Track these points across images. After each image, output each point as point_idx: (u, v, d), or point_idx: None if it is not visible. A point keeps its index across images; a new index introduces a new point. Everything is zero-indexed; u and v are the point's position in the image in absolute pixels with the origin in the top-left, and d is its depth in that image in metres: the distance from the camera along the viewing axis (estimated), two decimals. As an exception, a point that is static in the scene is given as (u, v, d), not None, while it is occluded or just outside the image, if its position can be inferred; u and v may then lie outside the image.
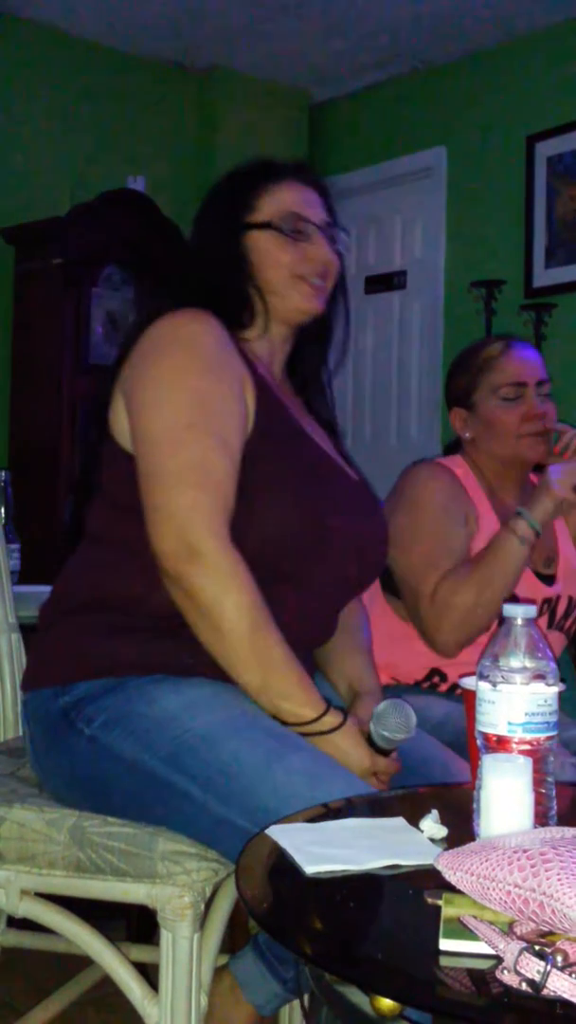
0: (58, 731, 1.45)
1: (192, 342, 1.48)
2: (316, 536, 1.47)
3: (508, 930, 0.85)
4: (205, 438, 1.41)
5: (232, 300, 1.57)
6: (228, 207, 1.60)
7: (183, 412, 1.43)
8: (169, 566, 1.38)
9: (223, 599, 1.36)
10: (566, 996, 0.76)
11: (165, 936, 1.37)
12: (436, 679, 2.05)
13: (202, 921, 1.39)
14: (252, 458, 1.45)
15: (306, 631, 1.54)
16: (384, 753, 1.42)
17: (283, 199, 1.58)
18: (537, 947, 0.79)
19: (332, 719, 1.39)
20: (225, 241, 1.58)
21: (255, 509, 1.43)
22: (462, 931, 0.87)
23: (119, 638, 1.45)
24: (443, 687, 2.05)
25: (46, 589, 1.61)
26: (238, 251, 1.57)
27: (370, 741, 1.42)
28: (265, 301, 1.57)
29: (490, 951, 0.84)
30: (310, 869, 1.01)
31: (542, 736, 1.09)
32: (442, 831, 1.11)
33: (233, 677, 1.39)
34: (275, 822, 1.13)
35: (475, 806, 1.07)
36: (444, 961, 0.85)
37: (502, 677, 1.10)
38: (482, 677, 1.12)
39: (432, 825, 1.11)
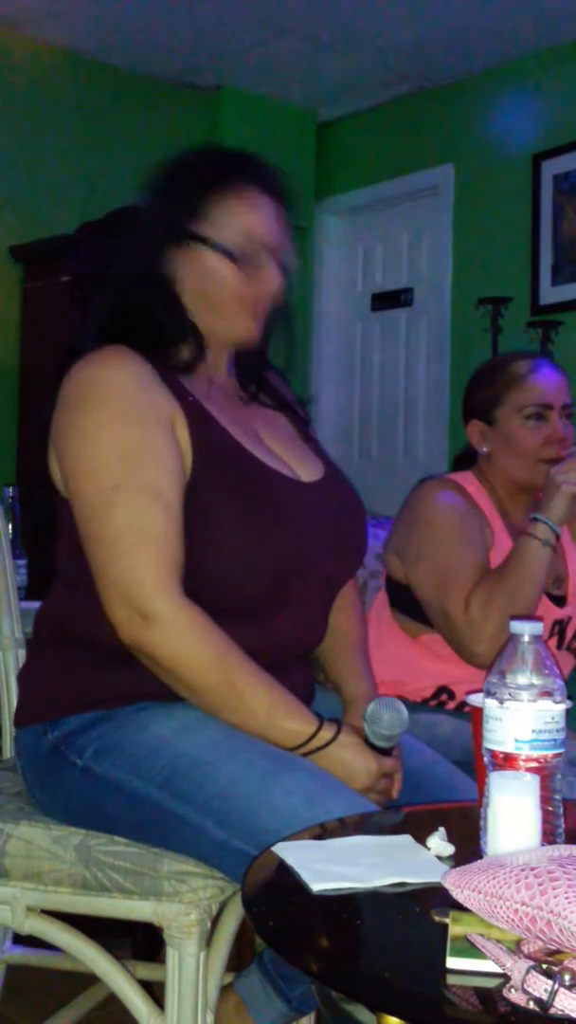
0: (50, 765, 1.44)
1: (109, 392, 1.40)
2: (277, 566, 1.43)
3: (515, 948, 0.85)
4: (136, 495, 1.36)
5: (163, 320, 1.48)
6: (171, 207, 1.49)
7: (109, 472, 1.37)
8: (125, 636, 1.36)
9: (186, 659, 1.35)
10: (573, 1015, 0.76)
11: (171, 954, 1.36)
12: (444, 697, 2.05)
13: (208, 939, 1.38)
14: (196, 500, 1.40)
15: (297, 643, 1.53)
16: (385, 753, 1.42)
17: (241, 218, 1.47)
18: (544, 965, 0.79)
19: (327, 732, 1.38)
20: (160, 246, 1.48)
21: (208, 553, 1.40)
22: (469, 949, 0.86)
23: (104, 671, 1.44)
24: (451, 705, 2.04)
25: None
26: (171, 261, 1.47)
27: (369, 745, 1.42)
28: (199, 320, 1.49)
29: (497, 969, 0.83)
30: (316, 887, 1.00)
31: (549, 753, 1.09)
32: (449, 849, 1.10)
33: (221, 720, 1.38)
34: (274, 843, 1.12)
35: (482, 824, 1.07)
36: (451, 979, 0.84)
37: (509, 694, 1.09)
38: (489, 694, 1.11)
39: (439, 843, 1.11)
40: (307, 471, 1.55)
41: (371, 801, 1.37)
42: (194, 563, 1.39)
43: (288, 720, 1.37)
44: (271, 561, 1.42)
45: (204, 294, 1.49)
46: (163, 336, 1.48)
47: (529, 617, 1.17)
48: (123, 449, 1.39)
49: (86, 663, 1.46)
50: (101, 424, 1.40)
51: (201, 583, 1.38)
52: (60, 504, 1.49)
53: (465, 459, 2.16)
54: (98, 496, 1.38)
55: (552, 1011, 0.77)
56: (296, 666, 1.51)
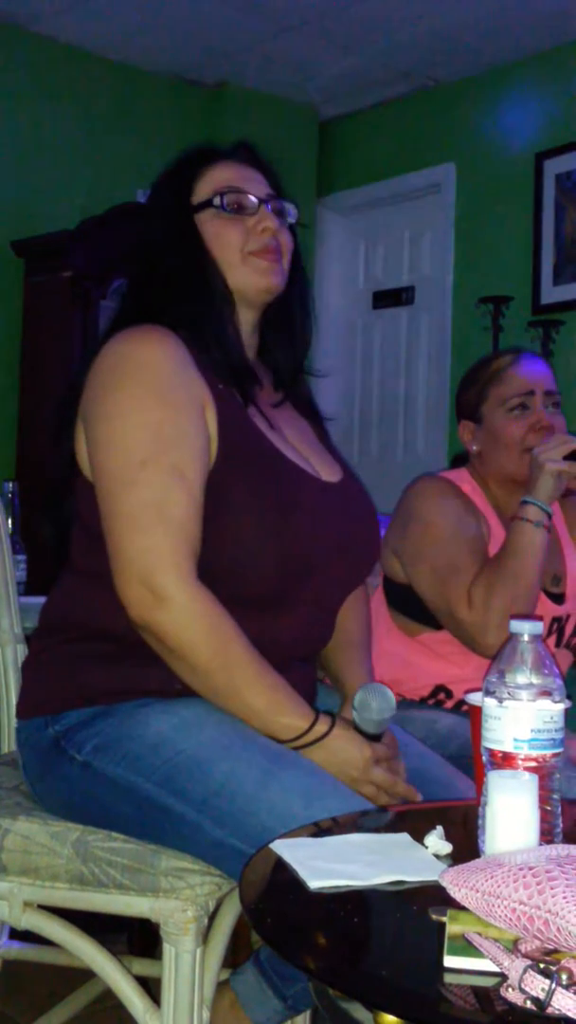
0: (50, 759, 1.44)
1: (144, 370, 1.42)
2: (292, 560, 1.44)
3: (513, 948, 0.85)
4: (161, 475, 1.37)
5: (193, 292, 1.51)
6: (170, 196, 1.56)
7: (137, 449, 1.38)
8: (135, 615, 1.36)
9: (193, 643, 1.35)
10: (570, 1014, 0.76)
11: (168, 950, 1.36)
12: (442, 695, 2.04)
13: (205, 935, 1.38)
14: (218, 486, 1.41)
15: (303, 642, 1.53)
16: (375, 739, 1.43)
17: (218, 178, 1.54)
18: (542, 965, 0.79)
19: (321, 727, 1.39)
20: (172, 229, 1.53)
21: (226, 540, 1.40)
22: (466, 948, 0.86)
23: (107, 667, 1.44)
24: (448, 704, 2.04)
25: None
26: (191, 237, 1.52)
27: (359, 732, 1.42)
28: (225, 284, 1.52)
29: (494, 968, 0.83)
30: (314, 884, 1.00)
31: (548, 753, 1.09)
32: (447, 847, 1.10)
33: (220, 707, 1.39)
34: (271, 841, 1.12)
35: (480, 823, 1.07)
36: (448, 978, 0.84)
37: (508, 693, 1.09)
38: (488, 693, 1.11)
39: (437, 841, 1.11)
40: (326, 472, 1.57)
41: (368, 796, 1.37)
42: (209, 549, 1.39)
43: (284, 716, 1.38)
44: (285, 553, 1.43)
45: (216, 257, 1.51)
46: (193, 314, 1.50)
47: (529, 617, 1.17)
48: (153, 428, 1.39)
49: (90, 657, 1.46)
50: (134, 401, 1.41)
51: (214, 570, 1.39)
52: (81, 486, 1.49)
53: (462, 460, 2.16)
54: (123, 471, 1.38)
55: (549, 1011, 0.77)
56: (299, 666, 1.51)
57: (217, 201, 1.52)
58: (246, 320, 1.56)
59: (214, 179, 1.54)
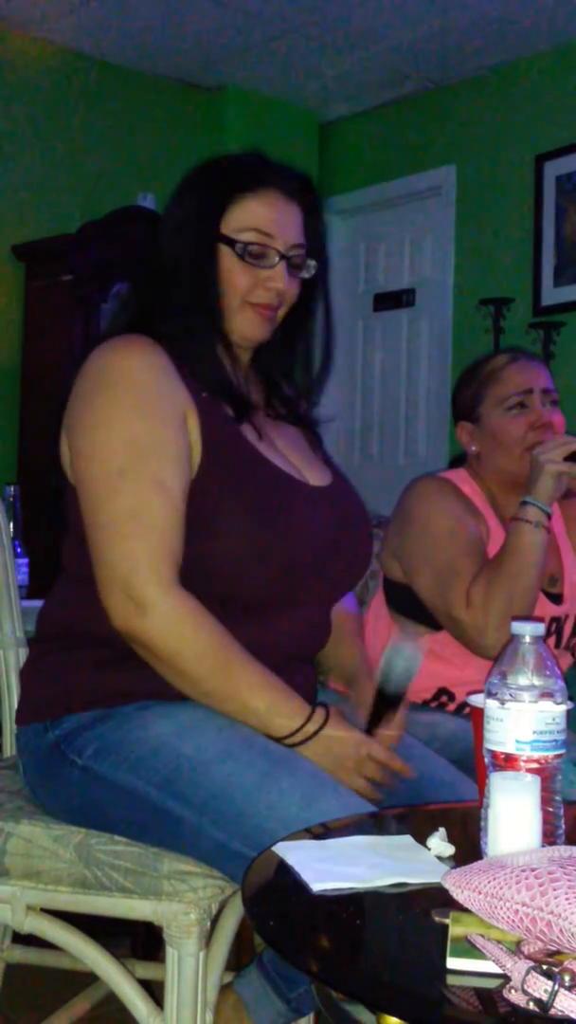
0: (50, 764, 1.45)
1: (124, 380, 1.43)
2: (284, 564, 1.44)
3: (515, 949, 0.85)
4: (140, 483, 1.37)
5: (189, 311, 1.50)
6: (202, 209, 1.51)
7: (115, 457, 1.39)
8: (119, 624, 1.36)
9: (181, 647, 1.35)
10: (573, 1016, 0.76)
11: (171, 953, 1.36)
12: (444, 698, 2.04)
13: (208, 938, 1.38)
14: (206, 494, 1.41)
15: (300, 644, 1.54)
16: (397, 701, 1.46)
17: (254, 214, 1.50)
18: (544, 966, 0.79)
19: (316, 720, 1.39)
20: (194, 246, 1.50)
21: (213, 548, 1.41)
22: (469, 950, 0.86)
23: (106, 670, 1.45)
24: (451, 707, 2.04)
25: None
26: (208, 260, 1.50)
27: (383, 695, 1.46)
28: (219, 318, 1.51)
29: (497, 970, 0.83)
30: (317, 886, 1.00)
31: (550, 755, 1.09)
32: (449, 849, 1.10)
33: (214, 709, 1.39)
34: (271, 844, 1.13)
35: (482, 824, 1.07)
36: (451, 980, 0.84)
37: (510, 695, 1.09)
38: (490, 695, 1.11)
39: (439, 843, 1.11)
40: (315, 477, 1.57)
41: (362, 792, 1.38)
42: (198, 556, 1.39)
43: (277, 712, 1.38)
44: (273, 558, 1.43)
45: (220, 291, 1.51)
46: (185, 329, 1.50)
47: (530, 618, 1.17)
48: (132, 437, 1.40)
49: (87, 662, 1.46)
50: (114, 411, 1.42)
51: (204, 577, 1.39)
52: (68, 494, 1.49)
53: (460, 461, 2.16)
54: (102, 480, 1.39)
55: (552, 1012, 0.77)
56: (298, 668, 1.52)
57: (240, 246, 1.49)
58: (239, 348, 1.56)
59: (249, 213, 1.49)
